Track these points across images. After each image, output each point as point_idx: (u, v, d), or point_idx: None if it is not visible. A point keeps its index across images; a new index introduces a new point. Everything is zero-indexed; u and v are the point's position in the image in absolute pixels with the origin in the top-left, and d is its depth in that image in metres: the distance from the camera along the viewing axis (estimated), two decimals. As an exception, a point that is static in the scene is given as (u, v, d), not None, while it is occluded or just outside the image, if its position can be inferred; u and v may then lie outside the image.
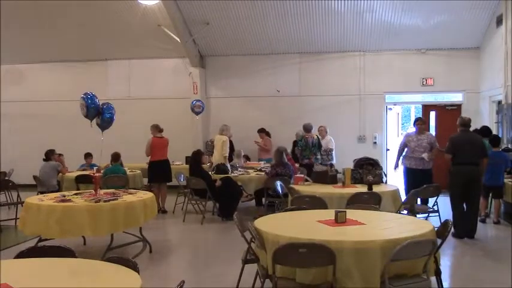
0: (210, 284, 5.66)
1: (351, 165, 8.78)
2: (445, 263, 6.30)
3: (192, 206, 9.57)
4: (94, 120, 9.04)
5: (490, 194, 8.89)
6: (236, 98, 14.04)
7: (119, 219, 6.18)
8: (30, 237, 6.98)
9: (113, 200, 6.34)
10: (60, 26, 13.03)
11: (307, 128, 10.63)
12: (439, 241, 4.15)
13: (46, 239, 6.32)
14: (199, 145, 12.96)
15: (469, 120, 8.00)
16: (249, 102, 13.96)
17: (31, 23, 12.90)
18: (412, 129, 16.26)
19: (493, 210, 8.89)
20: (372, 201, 6.23)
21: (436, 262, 4.21)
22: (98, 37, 13.50)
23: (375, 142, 13.43)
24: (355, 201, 6.16)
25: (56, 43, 13.78)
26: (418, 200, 8.25)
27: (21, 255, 3.67)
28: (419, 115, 14.32)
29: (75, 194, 7.00)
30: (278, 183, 8.23)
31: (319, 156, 10.53)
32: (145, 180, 10.79)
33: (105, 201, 6.25)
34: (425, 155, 8.92)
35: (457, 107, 13.19)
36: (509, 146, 10.08)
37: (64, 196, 6.69)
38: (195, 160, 9.59)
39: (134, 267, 3.26)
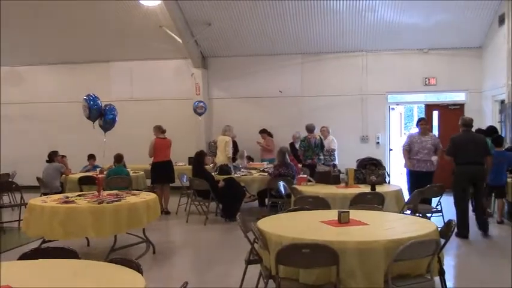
0: (213, 284, 5.67)
1: (354, 166, 8.77)
2: (449, 263, 6.30)
3: (195, 206, 9.58)
4: (96, 122, 9.06)
5: (493, 194, 8.88)
6: (238, 99, 14.05)
7: (122, 221, 6.18)
8: (33, 239, 6.99)
9: (116, 201, 6.34)
10: (62, 27, 13.05)
11: (310, 129, 10.63)
12: (442, 241, 4.14)
13: (49, 241, 6.33)
14: (202, 146, 12.97)
15: (471, 120, 7.98)
16: (251, 103, 13.96)
17: (31, 24, 12.91)
18: (415, 129, 16.15)
19: (496, 210, 8.87)
20: (375, 201, 6.21)
21: (440, 262, 4.20)
22: (100, 39, 13.51)
23: (378, 142, 13.41)
24: (358, 202, 6.15)
25: (58, 45, 13.81)
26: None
27: (24, 256, 3.68)
28: (422, 115, 14.27)
29: (79, 195, 7.02)
30: (281, 183, 8.23)
31: (322, 157, 10.52)
32: (148, 181, 10.79)
33: (108, 202, 6.25)
34: (434, 159, 8.64)
35: (460, 106, 13.17)
36: (513, 145, 10.06)
37: (67, 197, 6.70)
38: (198, 161, 9.59)
39: (138, 268, 3.26)
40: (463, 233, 7.58)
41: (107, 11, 12.43)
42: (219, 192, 9.18)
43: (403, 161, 9.45)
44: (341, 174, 8.12)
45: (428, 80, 13.12)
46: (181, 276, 5.94)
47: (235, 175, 9.85)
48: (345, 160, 11.35)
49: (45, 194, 8.77)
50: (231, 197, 9.27)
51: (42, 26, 13.04)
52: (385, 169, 8.66)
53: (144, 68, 14.44)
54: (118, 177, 9.18)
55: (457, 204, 7.77)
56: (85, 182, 9.44)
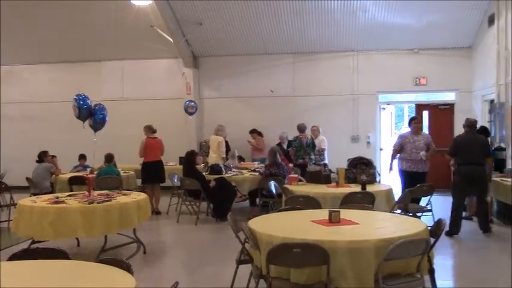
0: (204, 284, 5.67)
1: (345, 165, 8.78)
2: (439, 262, 6.32)
3: (186, 206, 9.55)
4: (87, 122, 9.03)
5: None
6: (230, 99, 14.04)
7: (113, 221, 6.15)
8: (23, 239, 6.93)
9: (107, 201, 6.31)
10: (53, 26, 12.96)
11: (301, 128, 10.64)
12: (432, 240, 4.16)
13: (39, 241, 6.27)
14: (193, 146, 12.94)
15: (475, 121, 8.05)
16: (242, 103, 13.96)
17: (21, 23, 12.82)
18: (406, 129, 16.22)
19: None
20: (365, 200, 6.24)
21: (430, 261, 4.22)
22: (91, 38, 13.44)
23: (369, 142, 13.45)
24: (349, 201, 6.17)
25: (49, 44, 13.72)
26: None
27: (14, 257, 3.65)
28: (413, 114, 14.34)
29: (69, 195, 6.97)
30: (272, 183, 8.24)
31: (313, 156, 10.54)
32: (139, 181, 10.77)
33: (98, 202, 6.22)
34: (422, 154, 8.67)
35: (450, 106, 13.24)
36: (502, 144, 10.13)
37: (57, 198, 6.65)
38: (188, 161, 9.56)
39: (128, 269, 3.25)
40: (454, 231, 7.64)
41: (98, 11, 12.36)
42: (210, 192, 9.16)
43: (389, 161, 9.46)
44: (332, 174, 8.15)
45: (419, 79, 13.18)
46: (172, 276, 5.90)
47: (226, 175, 9.84)
48: (336, 160, 11.34)
49: (35, 194, 8.70)
50: (222, 196, 9.26)
51: (32, 25, 12.94)
52: (375, 169, 8.69)
53: (135, 67, 14.39)
54: (108, 177, 9.14)
55: (453, 203, 7.83)
56: (75, 182, 9.39)
